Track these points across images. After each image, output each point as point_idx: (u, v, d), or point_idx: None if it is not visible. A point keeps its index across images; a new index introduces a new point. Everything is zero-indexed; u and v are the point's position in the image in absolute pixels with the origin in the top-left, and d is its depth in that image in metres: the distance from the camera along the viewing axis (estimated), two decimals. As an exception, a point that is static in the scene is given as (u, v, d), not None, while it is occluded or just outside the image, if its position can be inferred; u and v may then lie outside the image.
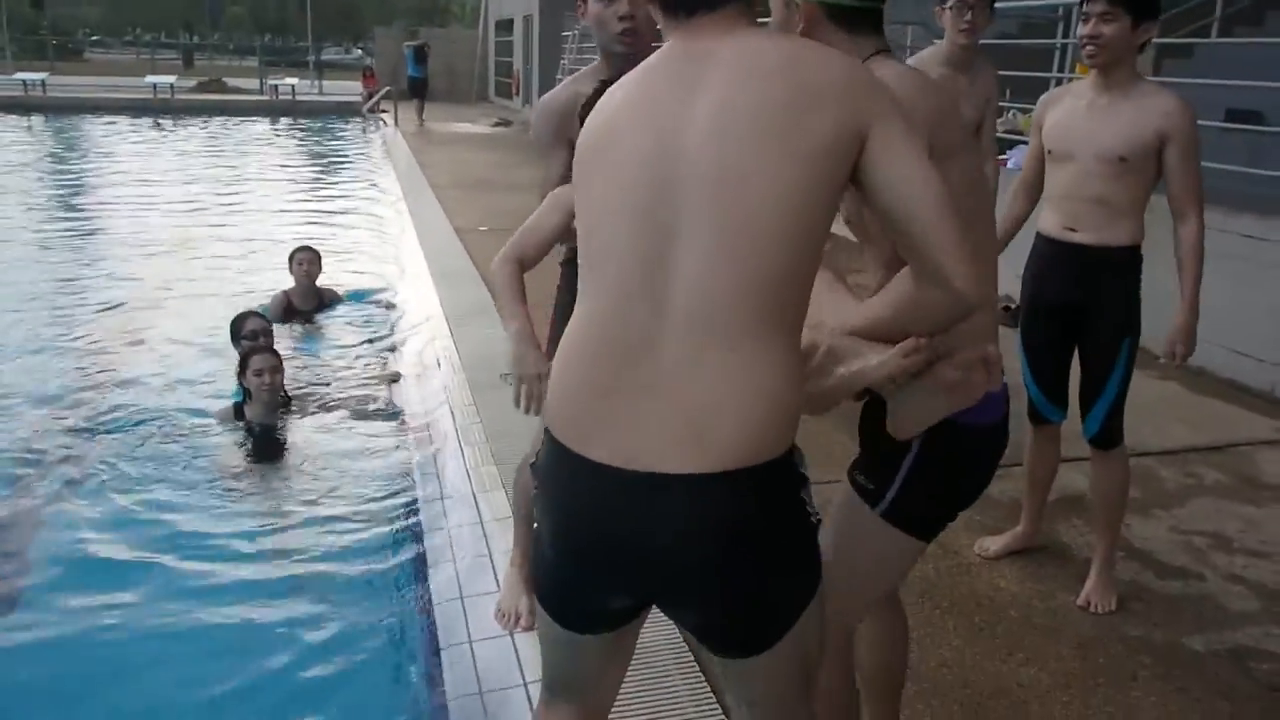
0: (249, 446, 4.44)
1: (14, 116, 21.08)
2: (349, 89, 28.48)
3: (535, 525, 1.54)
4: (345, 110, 24.61)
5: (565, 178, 2.42)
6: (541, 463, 1.49)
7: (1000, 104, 3.34)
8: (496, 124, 21.25)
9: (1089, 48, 2.80)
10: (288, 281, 6.46)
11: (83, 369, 5.52)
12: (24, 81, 24.47)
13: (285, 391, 4.70)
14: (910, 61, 3.39)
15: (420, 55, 22.15)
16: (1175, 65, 6.67)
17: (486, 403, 4.49)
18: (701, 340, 1.33)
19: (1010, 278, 2.93)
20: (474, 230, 8.85)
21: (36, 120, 20.88)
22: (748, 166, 1.31)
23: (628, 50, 2.33)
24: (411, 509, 3.84)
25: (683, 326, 1.33)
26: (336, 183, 13.80)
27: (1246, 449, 4.22)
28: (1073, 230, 2.93)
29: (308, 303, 6.38)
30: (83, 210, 11.16)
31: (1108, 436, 2.99)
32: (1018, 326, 3.19)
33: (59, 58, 36.57)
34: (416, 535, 3.60)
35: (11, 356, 5.74)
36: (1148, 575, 3.17)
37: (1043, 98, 3.08)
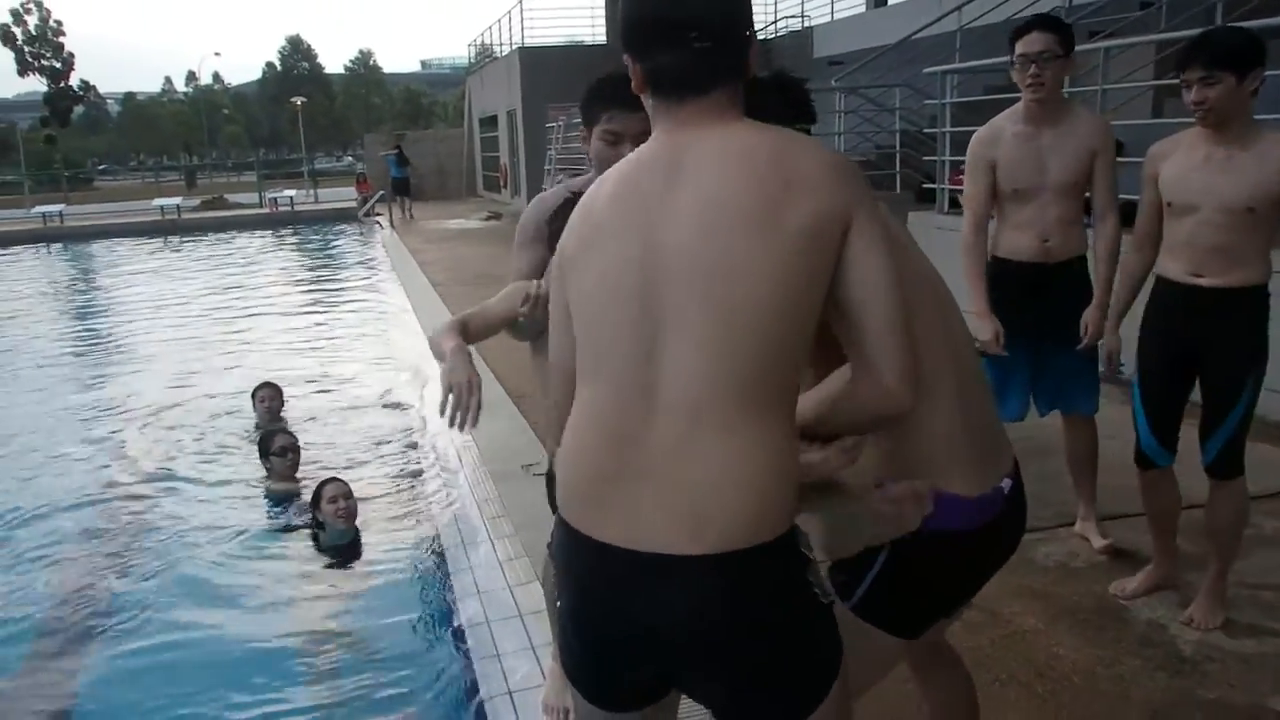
0: (324, 566, 4.52)
1: (36, 248, 21.92)
2: (343, 195, 29.11)
3: (558, 604, 1.57)
4: (343, 216, 25.13)
5: (533, 272, 2.46)
6: (555, 546, 1.55)
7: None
8: (488, 217, 21.58)
9: (1199, 112, 2.84)
10: (291, 387, 6.63)
11: (117, 495, 5.51)
12: (43, 214, 25.26)
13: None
14: (991, 123, 3.55)
15: (400, 158, 23.81)
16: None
17: (510, 493, 4.50)
18: (692, 427, 1.37)
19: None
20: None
21: (57, 249, 21.69)
22: (730, 259, 1.35)
23: None
24: (450, 608, 3.78)
25: (674, 414, 1.37)
26: (341, 286, 13.97)
27: (1303, 495, 4.06)
28: (1199, 276, 2.95)
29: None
30: (105, 330, 11.41)
31: (1224, 467, 3.01)
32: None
33: (71, 188, 37.58)
34: (459, 634, 3.53)
35: (50, 473, 5.83)
36: (1216, 634, 3.01)
37: (1151, 151, 3.09)
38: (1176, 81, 2.94)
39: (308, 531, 4.73)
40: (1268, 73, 2.85)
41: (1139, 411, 3.18)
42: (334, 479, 4.87)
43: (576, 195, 1.69)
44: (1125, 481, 3.90)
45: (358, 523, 4.74)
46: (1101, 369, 3.43)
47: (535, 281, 2.35)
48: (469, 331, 2.29)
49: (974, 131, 3.64)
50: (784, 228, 1.34)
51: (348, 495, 4.68)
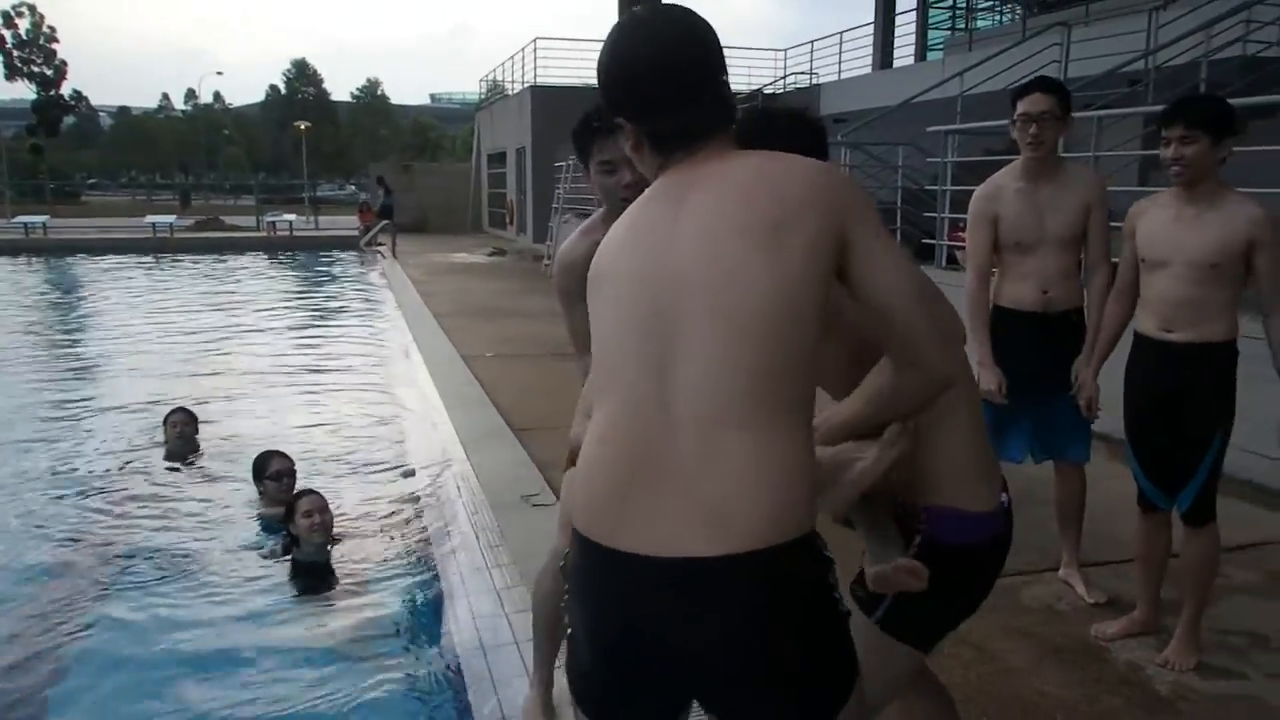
0: (296, 585, 4.45)
1: (17, 259, 21.40)
2: (343, 224, 28.95)
3: (569, 630, 1.58)
4: (343, 244, 25.01)
5: (587, 331, 2.57)
6: (571, 564, 1.55)
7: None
8: (492, 253, 21.71)
9: (1175, 168, 3.08)
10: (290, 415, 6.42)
11: (106, 501, 5.52)
12: (25, 225, 24.85)
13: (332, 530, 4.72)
14: (991, 179, 3.73)
15: (384, 186, 24.20)
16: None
17: (509, 524, 4.52)
18: (709, 434, 1.41)
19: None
20: (480, 357, 8.98)
21: (38, 263, 21.15)
22: (735, 275, 1.42)
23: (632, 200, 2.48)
24: (448, 636, 3.80)
25: (690, 423, 1.42)
26: (340, 313, 13.99)
27: (1272, 548, 4.26)
28: (1169, 331, 3.16)
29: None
30: (95, 344, 11.29)
31: (1198, 514, 3.20)
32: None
33: (57, 201, 37.26)
34: (455, 664, 3.56)
35: (33, 486, 5.78)
36: (1190, 676, 3.17)
37: (1131, 209, 3.33)
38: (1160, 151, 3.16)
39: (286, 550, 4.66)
40: (1244, 149, 3.06)
41: (1132, 460, 3.36)
42: (310, 491, 4.77)
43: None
44: (1105, 529, 4.14)
45: (341, 544, 4.67)
46: (1084, 413, 3.58)
47: None
48: None
49: (973, 190, 3.82)
50: (784, 243, 1.42)
51: (323, 509, 4.60)
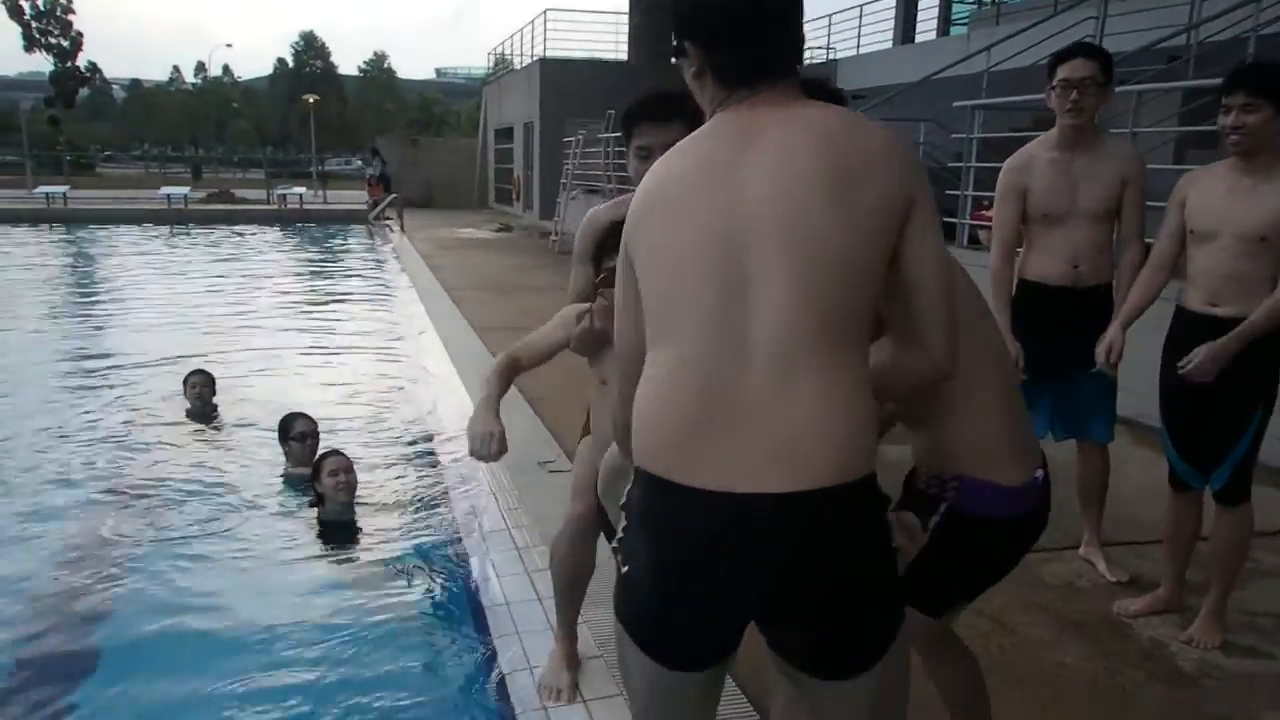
0: (324, 542, 4.56)
1: (39, 229, 21.81)
2: (349, 198, 29.02)
3: (624, 571, 1.57)
4: (352, 218, 25.13)
5: (587, 287, 2.61)
6: (636, 503, 1.54)
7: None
8: (499, 229, 21.61)
9: (1234, 136, 2.98)
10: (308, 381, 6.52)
11: (130, 464, 5.59)
12: (46, 195, 25.17)
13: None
14: (1023, 149, 3.65)
15: (379, 156, 25.70)
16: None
17: (529, 487, 4.60)
18: (785, 369, 1.42)
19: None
20: (495, 329, 8.97)
21: (60, 231, 21.52)
22: (807, 220, 1.43)
23: None
24: (473, 593, 3.86)
25: (766, 358, 1.42)
26: (352, 285, 14.05)
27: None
28: (1214, 305, 3.08)
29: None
30: (118, 311, 11.41)
31: (1232, 493, 3.16)
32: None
33: (74, 172, 37.41)
34: (480, 617, 3.61)
35: (61, 442, 5.89)
36: (1216, 654, 3.16)
37: (1183, 178, 3.25)
38: (1201, 129, 3.09)
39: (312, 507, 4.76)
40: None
41: (1165, 437, 3.31)
42: (335, 452, 4.89)
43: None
44: (1127, 512, 4.12)
45: (370, 506, 4.78)
46: (1099, 362, 3.44)
47: (587, 305, 2.51)
48: (521, 365, 2.56)
49: (997, 168, 3.74)
50: (855, 198, 1.42)
51: (348, 469, 4.71)
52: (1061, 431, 3.77)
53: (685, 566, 1.47)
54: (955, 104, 8.05)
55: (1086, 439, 3.77)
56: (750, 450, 1.41)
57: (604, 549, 3.40)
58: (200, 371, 6.66)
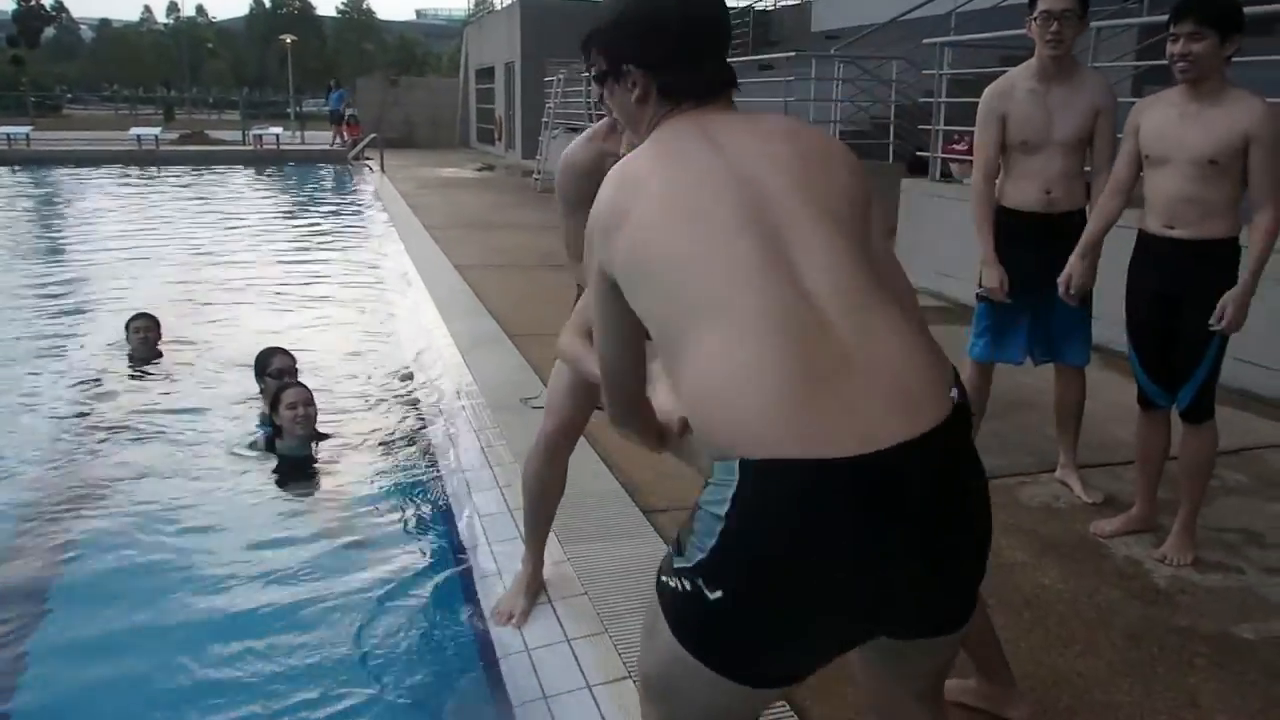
0: (281, 478, 4.44)
1: (-1, 170, 21.09)
2: (327, 139, 28.55)
3: (714, 597, 1.28)
4: (331, 158, 24.80)
5: (582, 245, 2.51)
6: (740, 505, 1.25)
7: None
8: (481, 169, 21.46)
9: (1181, 64, 3.03)
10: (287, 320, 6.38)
11: (95, 404, 5.47)
12: (8, 135, 24.42)
13: (316, 426, 4.70)
14: (1004, 77, 3.71)
15: (334, 89, 28.58)
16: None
17: (509, 424, 4.58)
18: (861, 312, 1.33)
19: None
20: (476, 266, 8.92)
21: (22, 173, 20.67)
22: (819, 182, 1.45)
23: None
24: (449, 529, 3.83)
25: (839, 305, 1.32)
26: (330, 225, 13.85)
27: (1262, 452, 4.31)
28: (1170, 228, 3.14)
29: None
30: (83, 255, 11.07)
31: (1197, 412, 3.23)
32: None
33: (38, 114, 36.56)
34: (458, 552, 3.59)
35: (23, 390, 5.73)
36: (1186, 570, 3.21)
37: (1136, 105, 3.29)
38: (1157, 63, 3.10)
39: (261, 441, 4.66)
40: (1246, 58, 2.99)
41: (1133, 358, 3.37)
42: (295, 384, 4.77)
43: (608, 157, 1.75)
44: (1100, 435, 4.20)
45: (343, 442, 4.70)
46: (1060, 293, 3.51)
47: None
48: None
49: (965, 103, 3.79)
50: (832, 179, 1.46)
51: (308, 401, 4.59)
52: (1040, 355, 3.84)
53: (827, 557, 1.24)
54: (925, 41, 8.09)
55: (1063, 361, 3.83)
56: (865, 402, 1.25)
57: (583, 478, 3.39)
58: (143, 315, 6.48)
